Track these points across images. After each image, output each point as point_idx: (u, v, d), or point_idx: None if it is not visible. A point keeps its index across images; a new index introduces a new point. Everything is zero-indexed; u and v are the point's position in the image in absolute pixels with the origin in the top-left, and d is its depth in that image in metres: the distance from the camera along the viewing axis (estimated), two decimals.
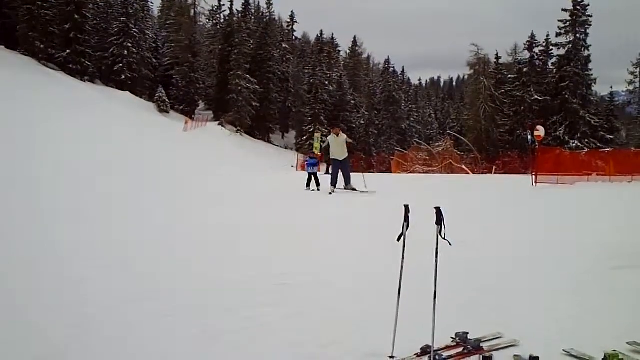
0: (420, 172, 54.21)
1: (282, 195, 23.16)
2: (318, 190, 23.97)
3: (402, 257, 6.25)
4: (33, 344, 6.09)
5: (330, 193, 22.54)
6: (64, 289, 8.11)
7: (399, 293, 6.22)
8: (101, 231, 12.70)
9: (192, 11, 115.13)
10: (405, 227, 6.25)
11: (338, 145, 23.39)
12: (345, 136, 24.28)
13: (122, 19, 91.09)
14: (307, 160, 27.11)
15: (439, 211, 6.02)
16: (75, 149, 30.75)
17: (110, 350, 6.04)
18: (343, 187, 23.10)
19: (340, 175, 23.20)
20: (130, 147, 39.70)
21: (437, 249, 5.98)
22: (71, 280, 8.60)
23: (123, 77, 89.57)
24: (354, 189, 22.91)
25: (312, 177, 24.74)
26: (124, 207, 16.98)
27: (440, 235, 6.00)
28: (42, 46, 76.78)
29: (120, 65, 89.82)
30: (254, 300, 7.96)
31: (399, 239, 6.31)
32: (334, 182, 23.10)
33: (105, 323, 6.82)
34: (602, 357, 5.70)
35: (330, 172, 24.54)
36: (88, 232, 12.38)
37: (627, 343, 6.23)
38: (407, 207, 6.24)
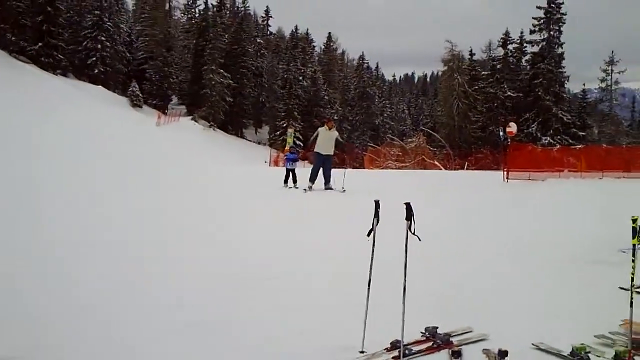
0: (393, 168, 54.33)
1: (256, 191, 22.50)
2: (296, 187, 22.68)
3: (372, 252, 6.27)
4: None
5: (305, 190, 21.40)
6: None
7: (368, 288, 6.23)
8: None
9: (167, 5, 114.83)
10: (375, 223, 6.26)
11: (327, 139, 22.03)
12: (337, 133, 22.80)
13: (95, 12, 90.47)
14: (286, 155, 25.68)
15: (408, 207, 6.03)
16: (42, 143, 30.50)
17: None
18: (323, 187, 21.70)
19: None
20: (101, 141, 39.45)
21: (406, 244, 5.99)
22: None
23: (96, 71, 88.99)
24: (330, 189, 21.57)
25: (291, 174, 23.46)
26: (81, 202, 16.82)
27: (410, 231, 6.01)
28: (13, 38, 76.02)
29: (94, 59, 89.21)
30: (224, 293, 7.96)
31: (369, 235, 6.32)
32: (312, 178, 21.76)
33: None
34: (570, 351, 5.75)
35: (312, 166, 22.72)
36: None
37: (595, 336, 6.31)
38: (377, 203, 6.25)
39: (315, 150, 22.17)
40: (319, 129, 22.65)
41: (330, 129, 22.20)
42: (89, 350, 5.86)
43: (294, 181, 23.08)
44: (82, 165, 25.70)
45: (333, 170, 22.42)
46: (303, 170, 24.19)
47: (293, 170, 23.43)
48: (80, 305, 7.15)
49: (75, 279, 8.27)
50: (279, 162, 60.37)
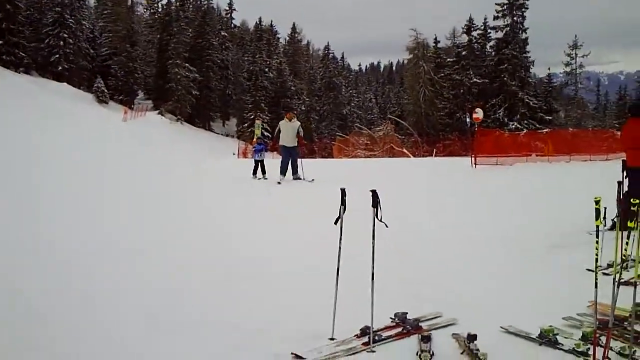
0: (362, 157, 54.41)
1: (225, 183, 22.34)
2: (265, 178, 22.70)
3: (340, 240, 6.28)
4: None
5: (279, 182, 21.24)
6: None
7: (337, 276, 6.24)
8: None
9: (129, 1, 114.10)
10: (342, 211, 6.27)
11: (289, 131, 21.92)
12: (298, 123, 22.64)
13: (56, 9, 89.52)
14: (254, 147, 25.58)
15: (375, 194, 6.07)
16: (5, 143, 30.21)
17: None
18: (292, 177, 21.77)
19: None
20: (66, 138, 39.15)
21: (373, 231, 6.02)
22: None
23: (60, 68, 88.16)
24: (299, 178, 21.71)
25: (260, 165, 23.38)
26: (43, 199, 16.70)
27: (377, 218, 6.04)
28: None
29: (57, 56, 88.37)
30: (195, 281, 7.97)
31: (335, 223, 6.33)
32: (283, 171, 21.69)
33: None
34: (539, 333, 5.80)
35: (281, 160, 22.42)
36: None
37: (563, 318, 6.38)
38: (343, 191, 6.26)
39: (280, 143, 22.12)
40: (280, 122, 22.59)
41: (290, 120, 22.15)
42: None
43: (263, 172, 23.03)
44: (51, 163, 25.46)
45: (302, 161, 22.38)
46: (273, 161, 24.16)
47: (262, 162, 23.32)
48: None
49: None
50: (247, 154, 60.30)
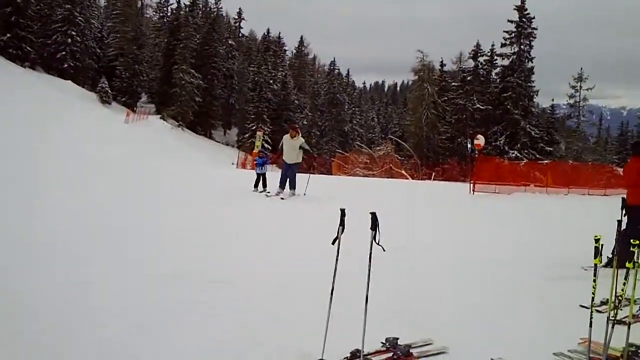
0: (360, 175, 54.39)
1: (224, 196, 22.00)
2: (266, 192, 22.33)
3: (336, 261, 6.24)
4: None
5: (267, 194, 21.65)
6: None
7: (331, 296, 6.21)
8: None
9: (139, 3, 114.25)
10: (340, 231, 6.24)
11: (290, 148, 21.72)
12: (302, 140, 22.29)
13: (66, 6, 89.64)
14: (255, 160, 25.26)
15: (374, 217, 6.03)
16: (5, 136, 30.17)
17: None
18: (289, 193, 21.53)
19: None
20: (66, 136, 39.13)
21: (370, 254, 6.00)
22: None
23: (66, 65, 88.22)
24: (293, 194, 21.44)
25: (261, 178, 23.10)
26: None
27: (375, 241, 6.01)
28: None
29: (63, 53, 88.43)
30: (188, 298, 7.91)
31: (333, 243, 6.30)
32: (281, 185, 21.57)
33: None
34: None
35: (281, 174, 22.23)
36: None
37: (554, 354, 6.34)
38: (342, 211, 6.23)
39: (283, 158, 21.99)
40: (284, 137, 22.38)
41: (293, 137, 21.89)
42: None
43: (264, 185, 22.86)
44: (48, 161, 25.40)
45: (298, 175, 22.21)
46: (274, 174, 24.06)
47: (263, 175, 23.15)
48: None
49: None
50: (246, 165, 60.28)
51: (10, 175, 18.73)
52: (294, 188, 21.73)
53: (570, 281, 9.90)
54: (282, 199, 20.94)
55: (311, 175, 23.37)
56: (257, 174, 23.28)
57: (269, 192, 22.16)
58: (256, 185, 22.92)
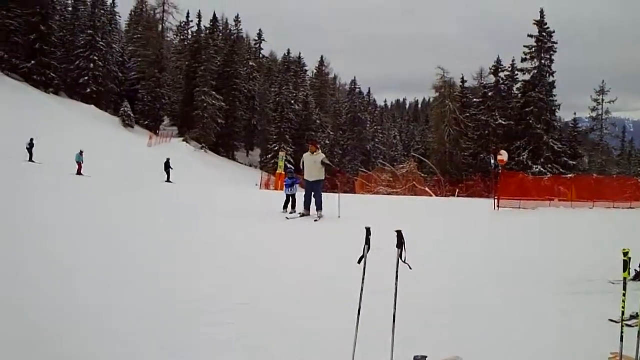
0: (383, 194, 54.31)
1: (250, 216, 21.42)
2: (294, 212, 21.65)
3: (363, 279, 6.22)
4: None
5: (302, 215, 20.62)
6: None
7: (358, 315, 6.18)
8: None
9: (160, 26, 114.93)
10: (366, 250, 6.23)
11: (310, 164, 20.85)
12: (322, 155, 21.27)
13: (88, 31, 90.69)
14: (285, 181, 24.09)
15: (399, 234, 6.01)
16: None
17: None
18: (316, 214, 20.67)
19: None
20: (93, 160, 39.37)
21: (397, 271, 5.98)
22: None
23: (88, 90, 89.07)
24: (320, 216, 20.40)
25: (290, 199, 22.36)
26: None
27: (401, 259, 5.99)
28: (5, 56, 76.10)
29: (86, 78, 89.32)
30: (214, 318, 7.89)
31: (359, 261, 6.27)
32: (306, 205, 20.82)
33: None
34: None
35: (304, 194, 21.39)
36: None
37: None
38: (368, 230, 6.21)
39: (304, 177, 21.23)
40: (304, 155, 21.62)
41: (313, 153, 21.15)
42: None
43: (293, 207, 22.14)
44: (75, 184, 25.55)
45: (325, 195, 21.58)
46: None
47: (293, 196, 22.46)
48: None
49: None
50: (269, 185, 60.36)
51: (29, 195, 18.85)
52: (321, 208, 20.76)
53: (597, 295, 9.80)
54: (287, 218, 20.50)
55: (339, 194, 22.63)
56: (287, 195, 22.60)
57: (291, 213, 21.55)
58: (285, 207, 22.27)
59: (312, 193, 20.84)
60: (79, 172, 44.24)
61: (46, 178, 29.62)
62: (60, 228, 14.50)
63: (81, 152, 46.76)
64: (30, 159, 46.38)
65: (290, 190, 22.54)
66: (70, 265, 10.27)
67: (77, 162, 45.56)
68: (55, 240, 12.62)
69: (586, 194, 34.31)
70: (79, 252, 11.59)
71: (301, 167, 21.67)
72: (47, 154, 36.41)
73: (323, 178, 21.24)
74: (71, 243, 12.55)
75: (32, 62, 79.04)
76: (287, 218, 20.58)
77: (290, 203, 22.30)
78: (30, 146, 48.09)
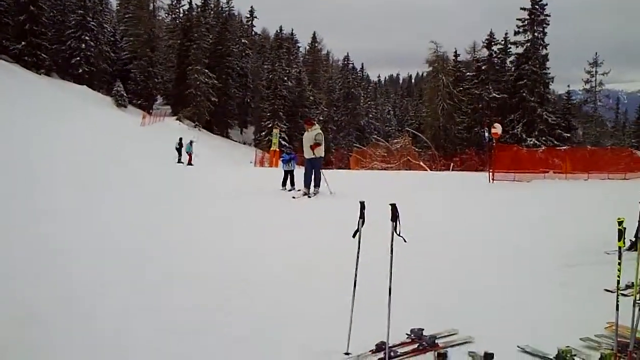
0: (378, 169, 54.32)
1: (248, 194, 21.19)
2: (293, 189, 21.53)
3: (358, 254, 6.23)
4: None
5: (304, 194, 20.08)
6: None
7: (354, 289, 6.19)
8: None
9: (151, 5, 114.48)
10: (360, 224, 6.22)
11: (307, 142, 20.48)
12: (317, 131, 20.69)
13: (79, 11, 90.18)
14: (282, 157, 23.84)
15: (394, 208, 6.00)
16: (26, 143, 30.27)
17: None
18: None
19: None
20: (86, 140, 39.27)
21: (392, 245, 5.97)
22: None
23: (80, 70, 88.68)
24: (316, 192, 20.28)
25: (289, 175, 22.14)
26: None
27: (396, 232, 5.98)
28: None
29: (78, 58, 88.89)
30: (209, 294, 7.89)
31: (354, 236, 6.28)
32: (307, 184, 20.25)
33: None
34: (556, 353, 5.72)
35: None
36: None
37: (580, 339, 6.28)
38: (362, 204, 6.22)
39: (304, 155, 20.86)
40: (305, 133, 21.13)
41: (308, 130, 20.85)
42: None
43: (292, 184, 21.95)
44: (69, 162, 25.47)
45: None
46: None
47: (291, 172, 22.21)
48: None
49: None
50: (264, 163, 60.35)
51: (29, 176, 18.81)
52: (318, 185, 20.52)
53: (592, 266, 9.82)
54: (309, 197, 19.91)
55: (324, 171, 22.18)
56: (285, 171, 22.36)
57: (298, 191, 21.05)
58: (284, 184, 22.09)
59: (311, 170, 20.46)
60: (189, 163, 44.84)
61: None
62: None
63: (191, 142, 47.50)
64: (179, 161, 47.74)
65: (288, 166, 22.28)
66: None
67: (187, 152, 46.42)
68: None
69: (581, 166, 34.30)
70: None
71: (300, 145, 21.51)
72: (41, 137, 36.21)
73: (322, 155, 20.91)
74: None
75: (23, 43, 78.60)
76: (294, 197, 20.04)
77: (289, 179, 22.07)
78: (179, 146, 48.65)
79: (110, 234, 11.90)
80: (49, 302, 7.20)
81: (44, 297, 7.38)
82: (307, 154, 20.54)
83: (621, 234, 5.38)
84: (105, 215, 14.41)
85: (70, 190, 18.63)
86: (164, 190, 21.43)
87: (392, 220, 6.01)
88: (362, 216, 6.21)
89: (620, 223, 5.37)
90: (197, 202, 18.42)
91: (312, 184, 20.43)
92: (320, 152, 20.66)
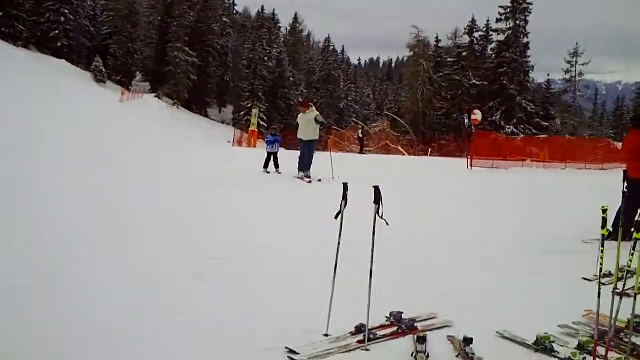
0: (356, 152, 54.31)
1: (225, 175, 20.69)
2: (278, 172, 21.12)
3: (339, 235, 6.21)
4: None
5: (302, 178, 19.66)
6: None
7: (334, 271, 6.18)
8: None
9: None
10: (343, 205, 6.21)
11: (304, 124, 20.16)
12: (315, 112, 20.24)
13: None
14: (267, 138, 23.06)
15: (377, 190, 6.00)
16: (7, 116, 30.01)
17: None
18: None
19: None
20: (62, 116, 38.99)
21: (374, 227, 5.97)
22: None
23: (59, 44, 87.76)
24: (305, 177, 19.75)
25: (272, 157, 21.42)
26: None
27: (378, 214, 5.98)
28: None
29: (56, 31, 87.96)
30: (191, 274, 7.86)
31: (336, 217, 6.27)
32: (301, 167, 19.97)
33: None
34: (535, 339, 5.75)
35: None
36: None
37: (559, 326, 6.32)
38: (345, 185, 6.21)
39: (298, 137, 20.56)
40: (299, 115, 20.92)
41: (305, 112, 20.31)
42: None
43: (276, 166, 21.39)
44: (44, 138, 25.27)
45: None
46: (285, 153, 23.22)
47: (275, 154, 21.54)
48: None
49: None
50: (242, 143, 60.17)
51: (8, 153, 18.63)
52: (309, 169, 20.05)
53: (569, 255, 9.91)
54: (309, 182, 19.47)
55: (334, 154, 21.53)
56: (268, 152, 21.65)
57: (279, 172, 21.01)
58: (266, 165, 21.45)
59: (307, 153, 20.14)
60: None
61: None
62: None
63: None
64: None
65: (272, 147, 21.65)
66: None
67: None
68: None
69: (558, 155, 34.51)
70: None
71: (296, 127, 21.32)
72: (17, 111, 35.85)
73: (317, 138, 20.79)
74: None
75: (0, 13, 77.63)
76: (268, 172, 20.55)
77: (273, 161, 21.48)
78: None
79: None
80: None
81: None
82: (305, 135, 20.22)
83: (605, 221, 5.40)
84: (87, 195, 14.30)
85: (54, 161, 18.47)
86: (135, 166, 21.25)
87: (374, 202, 6.01)
88: (344, 197, 6.20)
89: (604, 211, 5.39)
90: (179, 184, 18.26)
91: (304, 166, 20.05)
92: (317, 133, 20.52)
